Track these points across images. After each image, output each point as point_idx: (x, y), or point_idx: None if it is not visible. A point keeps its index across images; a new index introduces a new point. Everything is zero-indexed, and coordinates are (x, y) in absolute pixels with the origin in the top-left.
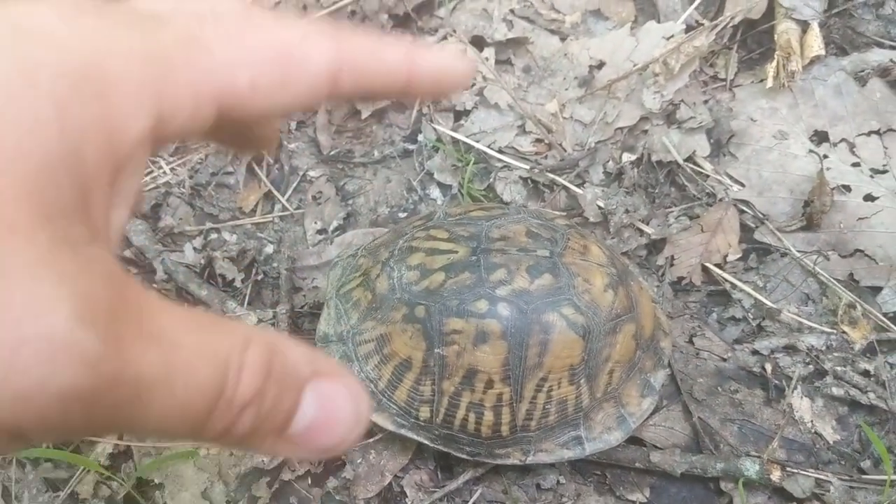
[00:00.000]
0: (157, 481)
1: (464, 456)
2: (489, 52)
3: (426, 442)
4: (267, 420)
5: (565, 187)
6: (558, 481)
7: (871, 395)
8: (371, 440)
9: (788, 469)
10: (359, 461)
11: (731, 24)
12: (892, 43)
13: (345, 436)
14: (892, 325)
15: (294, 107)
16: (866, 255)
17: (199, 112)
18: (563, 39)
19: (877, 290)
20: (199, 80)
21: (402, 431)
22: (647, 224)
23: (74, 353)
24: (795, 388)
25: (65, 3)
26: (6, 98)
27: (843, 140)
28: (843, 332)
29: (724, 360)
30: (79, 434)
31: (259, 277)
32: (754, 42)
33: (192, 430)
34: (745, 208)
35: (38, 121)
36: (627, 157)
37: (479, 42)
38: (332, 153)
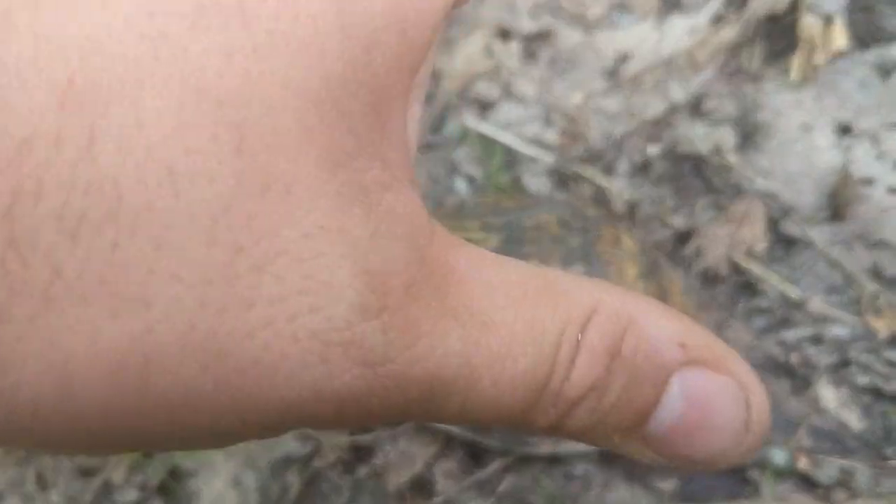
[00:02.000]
0: (189, 469)
1: (494, 444)
2: (515, 45)
3: (456, 430)
4: (611, 416)
5: (591, 179)
6: (587, 470)
7: None
8: (401, 428)
9: (815, 457)
10: (389, 449)
11: (755, 18)
12: None
13: (725, 448)
14: None
15: None
16: (890, 246)
17: None
18: (587, 32)
19: None
20: None
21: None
22: (674, 215)
23: (352, 354)
24: (821, 377)
25: None
26: (289, 17)
27: (866, 132)
28: (869, 322)
29: (752, 349)
30: (350, 426)
31: None
32: (778, 35)
33: (507, 422)
34: (770, 200)
35: (317, 33)
36: (653, 149)
37: (504, 34)
38: None
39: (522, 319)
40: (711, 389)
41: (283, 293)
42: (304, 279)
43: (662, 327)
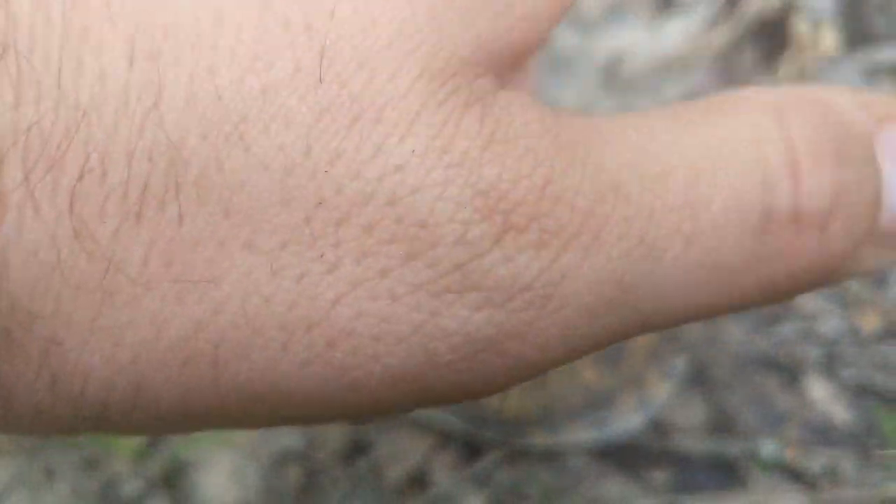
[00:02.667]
0: (191, 461)
1: (491, 436)
2: None
3: (455, 420)
4: (855, 218)
5: None
6: (582, 462)
7: (882, 379)
8: (399, 421)
9: (803, 449)
10: (386, 442)
11: (747, 20)
12: None
13: None
14: None
15: None
16: None
17: None
18: (582, 33)
19: (886, 279)
20: None
21: (431, 411)
22: None
23: (472, 299)
24: (810, 372)
25: None
26: None
27: None
28: (855, 318)
29: (742, 345)
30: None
31: None
32: (770, 38)
33: (728, 291)
34: None
35: None
36: None
37: None
38: None
39: (715, 134)
40: None
41: (372, 246)
42: (398, 223)
43: (847, 98)
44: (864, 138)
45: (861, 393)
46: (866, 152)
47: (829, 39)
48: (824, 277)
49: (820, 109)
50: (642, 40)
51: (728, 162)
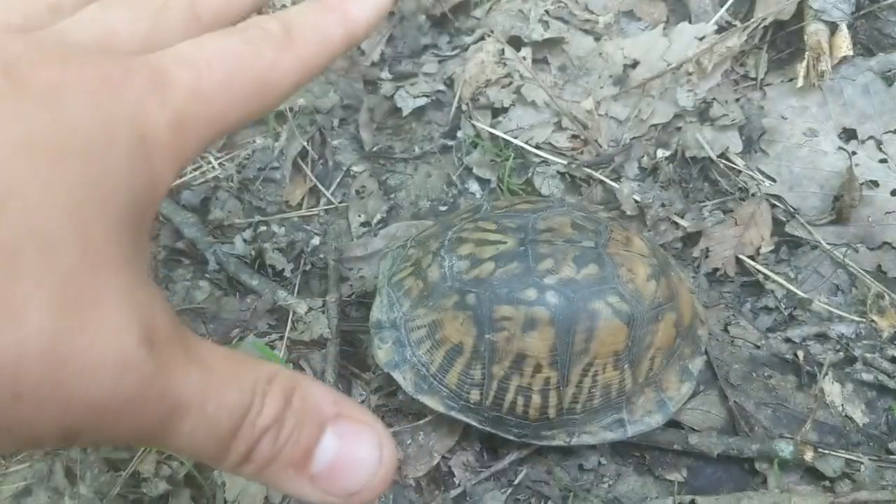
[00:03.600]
0: None
1: (511, 437)
2: (526, 52)
3: (475, 424)
4: (286, 448)
5: (602, 182)
6: (599, 462)
7: None
8: (420, 422)
9: (821, 450)
10: (408, 442)
11: (761, 26)
12: None
13: (368, 480)
14: None
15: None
16: (894, 248)
17: (200, 153)
18: (597, 39)
19: None
20: (205, 137)
21: (453, 413)
22: (682, 217)
23: (137, 371)
24: (826, 373)
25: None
26: (101, 156)
27: (870, 137)
28: (872, 320)
29: (758, 347)
30: (119, 442)
31: (307, 268)
32: (783, 43)
33: (217, 448)
34: (776, 203)
35: (119, 175)
36: (662, 153)
37: (515, 42)
38: (374, 149)
39: (234, 370)
40: (356, 434)
41: (100, 324)
42: (114, 318)
43: (322, 392)
44: (318, 415)
45: (879, 394)
46: (314, 421)
47: (845, 44)
48: (254, 467)
49: (293, 384)
50: (656, 46)
51: (239, 386)
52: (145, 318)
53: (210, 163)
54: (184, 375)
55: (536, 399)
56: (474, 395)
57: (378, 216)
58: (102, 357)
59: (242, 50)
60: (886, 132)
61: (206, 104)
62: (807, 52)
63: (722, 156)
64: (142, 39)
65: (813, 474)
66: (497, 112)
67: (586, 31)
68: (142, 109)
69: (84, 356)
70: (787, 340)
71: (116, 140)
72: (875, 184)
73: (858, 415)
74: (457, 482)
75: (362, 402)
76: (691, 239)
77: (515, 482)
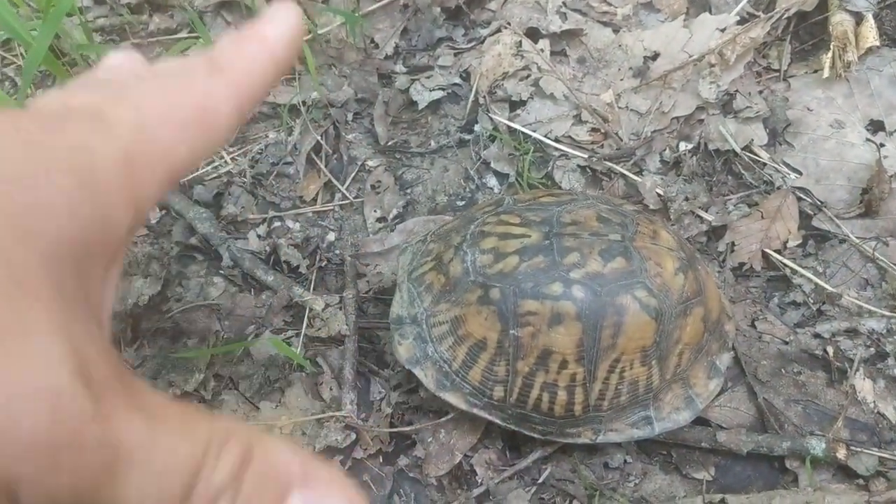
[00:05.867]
0: None
1: (536, 435)
2: (544, 44)
3: (498, 421)
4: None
5: (623, 175)
6: (625, 460)
7: None
8: (441, 420)
9: (853, 448)
10: (429, 440)
11: (784, 16)
12: None
13: None
14: None
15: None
16: None
17: (160, 195)
18: (616, 31)
19: None
20: (159, 175)
21: (475, 411)
22: (707, 211)
23: (73, 407)
24: (857, 369)
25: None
26: (31, 187)
27: None
28: None
29: (786, 343)
30: (62, 499)
31: (323, 264)
32: (807, 34)
33: None
34: (803, 196)
35: (54, 208)
36: (684, 146)
37: (533, 34)
38: (389, 143)
39: (186, 423)
40: (325, 497)
41: (26, 355)
42: (43, 350)
43: (288, 454)
44: (282, 478)
45: None
46: (277, 485)
47: (871, 34)
48: None
49: (252, 443)
50: (677, 38)
51: (191, 440)
52: (80, 353)
53: (223, 157)
54: (127, 421)
55: (562, 396)
56: (498, 392)
57: (394, 211)
58: (32, 388)
59: (175, 83)
60: None
61: (152, 139)
62: (832, 43)
63: (746, 148)
64: None
65: (846, 473)
66: (515, 105)
67: (605, 23)
68: (84, 146)
69: (10, 386)
70: (816, 336)
71: (52, 174)
72: None
73: (891, 411)
74: (479, 481)
75: (381, 399)
76: (716, 233)
77: (539, 481)
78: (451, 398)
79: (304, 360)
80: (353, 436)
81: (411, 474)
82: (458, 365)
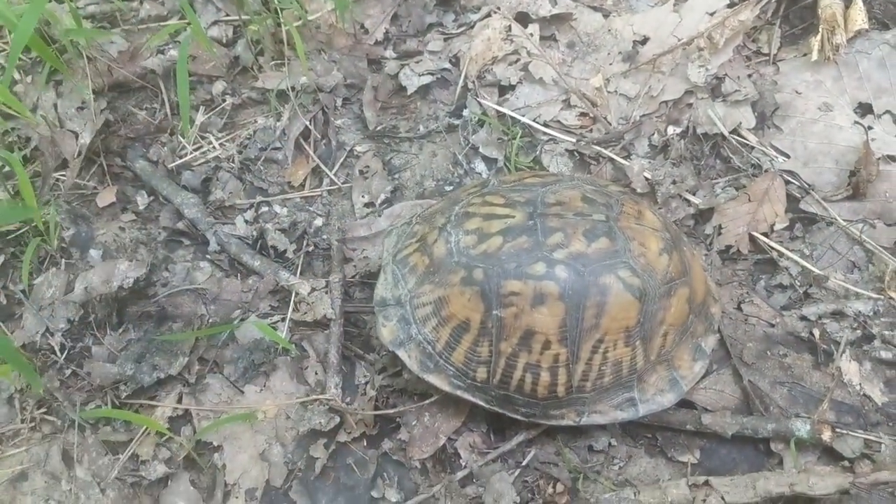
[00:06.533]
0: (215, 443)
1: (519, 417)
2: (533, 28)
3: (482, 403)
4: None
5: (611, 159)
6: (610, 443)
7: None
8: (425, 403)
9: (838, 430)
10: (413, 423)
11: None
12: None
13: None
14: None
15: None
16: None
17: None
18: (605, 16)
19: None
20: None
21: (459, 392)
22: (694, 195)
23: None
24: (844, 352)
25: None
26: None
27: (887, 112)
28: (891, 297)
29: (773, 325)
30: None
31: (310, 249)
32: (797, 17)
33: None
34: (790, 179)
35: None
36: (673, 130)
37: (523, 18)
38: (378, 128)
39: None
40: None
41: None
42: None
43: None
44: None
45: None
46: None
47: (860, 16)
48: None
49: None
50: (666, 21)
51: None
52: None
53: (211, 143)
54: None
55: (545, 377)
56: (481, 374)
57: (382, 196)
58: None
59: None
60: None
61: None
62: (821, 26)
63: (734, 132)
64: None
65: (831, 455)
66: (504, 90)
67: (595, 8)
68: None
69: None
70: (803, 318)
71: None
72: (892, 158)
73: (877, 394)
74: (463, 463)
75: (366, 383)
76: (704, 216)
77: (523, 463)
78: (435, 380)
79: (289, 344)
80: (338, 419)
81: (395, 457)
82: (442, 346)
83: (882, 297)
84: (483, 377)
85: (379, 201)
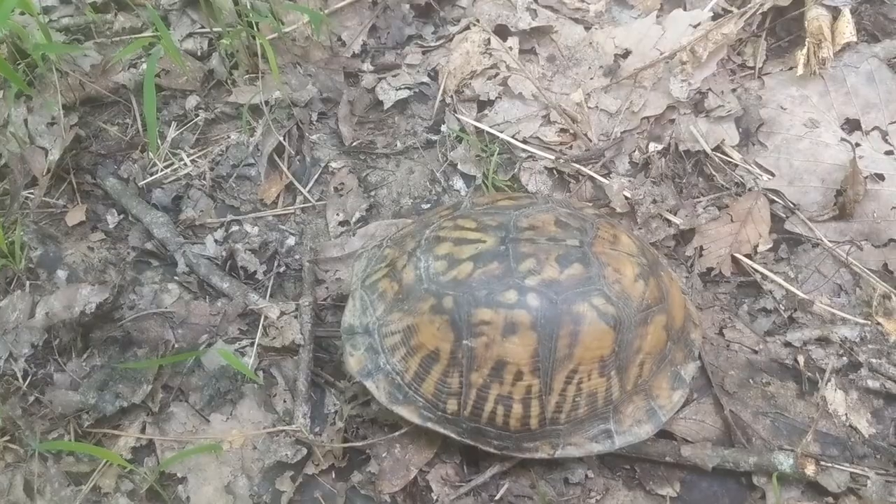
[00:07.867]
0: (179, 475)
1: (491, 450)
2: (513, 42)
3: (453, 435)
4: None
5: (591, 177)
6: (587, 475)
7: None
8: (396, 434)
9: (823, 463)
10: (384, 455)
11: (759, 12)
12: None
13: None
14: None
15: None
16: None
17: None
18: (587, 28)
19: None
20: None
21: (429, 425)
22: (675, 214)
23: None
24: (829, 380)
25: None
26: None
27: (875, 128)
28: (878, 323)
29: (756, 352)
30: None
31: (281, 270)
32: (783, 30)
33: None
34: (775, 198)
35: None
36: (654, 147)
37: (502, 31)
38: (354, 144)
39: None
40: None
41: None
42: None
43: None
44: None
45: (886, 403)
46: None
47: (848, 28)
48: None
49: None
50: (649, 35)
51: None
52: None
53: (182, 160)
54: None
55: (517, 409)
56: (452, 405)
57: (357, 214)
58: None
59: None
60: (892, 122)
61: None
62: (807, 39)
63: (717, 149)
64: None
65: (815, 489)
66: (483, 105)
67: (576, 20)
68: None
69: None
70: (787, 344)
71: None
72: (880, 177)
73: (864, 425)
74: (435, 497)
75: (335, 412)
76: (685, 237)
77: (497, 497)
78: (404, 412)
79: (254, 374)
80: (305, 451)
81: (363, 491)
82: (411, 377)
83: (869, 322)
84: (454, 409)
85: (354, 220)
